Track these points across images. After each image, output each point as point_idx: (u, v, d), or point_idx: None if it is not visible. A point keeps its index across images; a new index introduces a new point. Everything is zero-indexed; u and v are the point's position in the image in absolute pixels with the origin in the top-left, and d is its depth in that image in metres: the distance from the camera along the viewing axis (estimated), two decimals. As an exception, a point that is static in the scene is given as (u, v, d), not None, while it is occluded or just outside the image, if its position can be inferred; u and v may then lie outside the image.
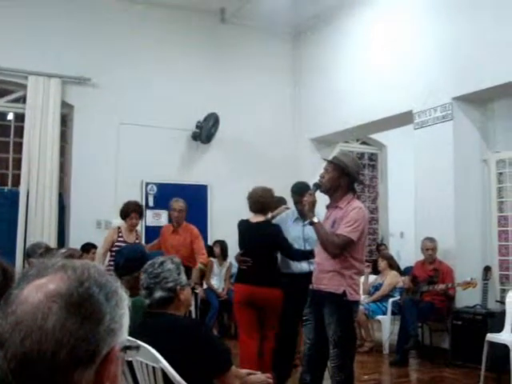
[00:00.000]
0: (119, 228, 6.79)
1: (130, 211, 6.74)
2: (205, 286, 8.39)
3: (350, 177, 4.24)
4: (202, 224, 8.79)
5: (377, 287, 7.88)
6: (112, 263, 6.29)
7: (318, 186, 4.34)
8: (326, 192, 4.34)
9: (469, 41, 6.90)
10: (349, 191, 4.27)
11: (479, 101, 7.24)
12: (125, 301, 0.98)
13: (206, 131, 9.04)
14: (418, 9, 7.77)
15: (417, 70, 7.60)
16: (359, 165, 4.63)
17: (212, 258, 8.26)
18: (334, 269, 4.09)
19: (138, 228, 7.10)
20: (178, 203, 6.87)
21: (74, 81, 8.46)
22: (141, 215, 6.93)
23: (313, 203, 4.27)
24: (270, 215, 5.63)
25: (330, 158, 4.52)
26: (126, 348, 0.99)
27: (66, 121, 8.71)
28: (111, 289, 0.95)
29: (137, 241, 6.83)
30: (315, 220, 4.18)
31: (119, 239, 6.65)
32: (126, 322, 0.97)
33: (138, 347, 1.07)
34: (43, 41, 8.25)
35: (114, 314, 0.93)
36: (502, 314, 5.96)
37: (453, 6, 7.18)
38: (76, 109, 8.58)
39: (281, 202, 6.22)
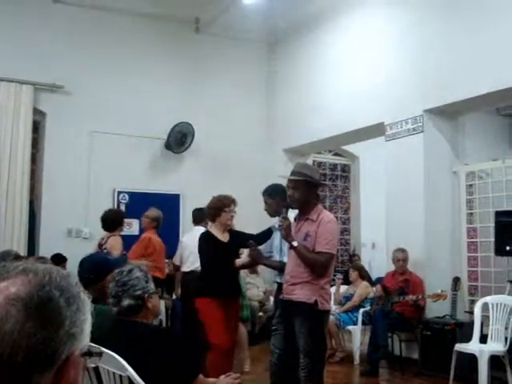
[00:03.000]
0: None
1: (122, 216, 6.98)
2: (174, 297, 8.36)
3: (316, 186, 4.27)
4: (174, 233, 8.77)
5: (348, 297, 7.91)
6: None
7: (287, 207, 4.33)
8: (298, 208, 4.35)
9: (440, 54, 7.00)
10: (315, 200, 4.29)
11: (449, 114, 7.35)
12: (87, 306, 0.97)
13: (174, 141, 9.02)
14: (389, 22, 7.87)
15: (388, 83, 7.69)
16: (318, 170, 4.67)
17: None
18: (305, 279, 4.11)
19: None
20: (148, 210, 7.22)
21: (47, 88, 8.39)
22: None
23: (289, 227, 4.25)
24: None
25: (290, 175, 4.42)
26: (88, 354, 0.98)
27: (37, 128, 8.63)
28: (73, 293, 0.94)
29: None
30: (295, 244, 4.16)
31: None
32: (87, 327, 0.96)
33: (100, 353, 1.07)
34: (16, 47, 8.17)
35: (75, 318, 0.93)
36: (471, 324, 6.05)
37: (424, 19, 7.28)
38: (48, 116, 8.51)
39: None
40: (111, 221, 6.78)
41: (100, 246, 6.67)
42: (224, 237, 5.38)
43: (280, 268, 4.93)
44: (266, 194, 5.24)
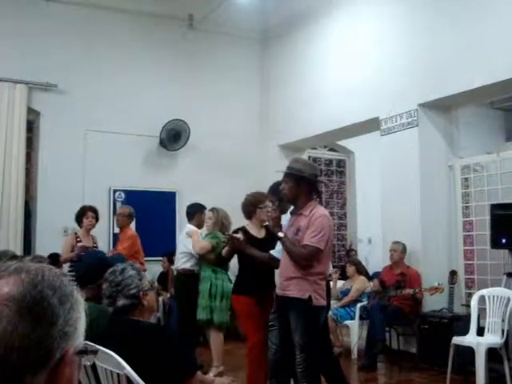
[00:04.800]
0: (76, 233, 6.86)
1: (86, 210, 6.86)
2: (168, 295, 8.38)
3: (308, 181, 4.25)
4: (170, 231, 8.77)
5: (345, 292, 7.92)
6: (71, 270, 6.29)
7: (280, 200, 4.34)
8: (289, 202, 4.36)
9: (433, 48, 7.00)
10: (311, 196, 4.28)
11: (444, 107, 7.35)
12: (80, 304, 0.97)
13: (167, 138, 9.00)
14: (383, 17, 7.86)
15: (383, 78, 7.69)
16: (314, 166, 4.63)
17: (173, 266, 8.25)
18: (299, 275, 4.10)
19: (94, 233, 7.08)
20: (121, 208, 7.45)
21: (40, 87, 8.37)
22: (97, 218, 6.96)
23: (278, 218, 4.26)
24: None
25: (285, 169, 4.43)
26: (83, 352, 0.98)
27: (32, 127, 8.61)
28: (65, 292, 0.94)
29: (94, 245, 6.85)
30: (281, 235, 4.19)
31: (78, 244, 6.68)
32: (81, 325, 0.96)
33: (95, 351, 1.07)
34: (8, 46, 8.15)
35: (68, 317, 0.92)
36: (468, 317, 6.06)
37: (418, 14, 7.28)
38: (42, 115, 8.49)
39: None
40: (76, 215, 6.94)
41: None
42: (260, 233, 5.30)
43: (262, 260, 4.83)
44: (269, 193, 5.24)
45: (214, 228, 6.32)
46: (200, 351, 6.56)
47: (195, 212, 6.97)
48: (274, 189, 5.09)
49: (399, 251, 7.09)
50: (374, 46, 7.96)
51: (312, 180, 4.27)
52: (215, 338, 6.21)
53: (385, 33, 7.81)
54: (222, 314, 6.10)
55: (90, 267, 3.45)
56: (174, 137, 9.05)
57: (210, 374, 5.22)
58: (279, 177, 4.61)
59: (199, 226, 6.77)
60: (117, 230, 7.59)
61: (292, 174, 4.24)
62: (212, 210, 6.50)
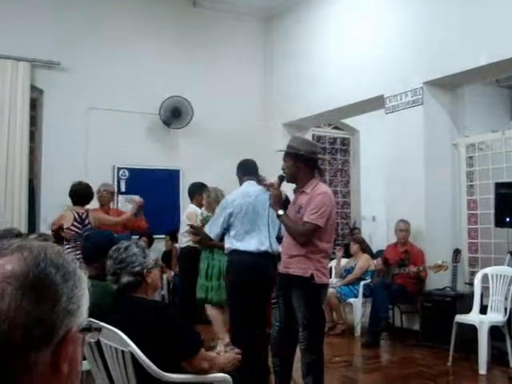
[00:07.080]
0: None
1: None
2: (172, 273, 8.41)
3: (306, 159, 4.22)
4: (174, 209, 8.78)
5: (349, 270, 7.94)
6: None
7: (281, 179, 4.33)
8: (290, 181, 4.35)
9: (439, 26, 6.94)
10: (313, 174, 4.27)
11: (449, 85, 7.31)
12: (84, 282, 0.97)
13: (168, 115, 8.96)
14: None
15: (388, 55, 7.63)
16: (313, 143, 4.60)
17: (176, 244, 8.28)
18: (301, 253, 4.10)
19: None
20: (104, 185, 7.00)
21: (43, 65, 8.32)
22: None
23: (278, 196, 4.26)
24: None
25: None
26: (87, 329, 0.98)
27: (35, 105, 8.58)
28: (68, 269, 0.94)
29: None
30: (280, 213, 4.19)
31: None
32: (84, 303, 0.96)
33: (99, 329, 1.07)
34: (11, 24, 8.09)
35: (72, 294, 0.92)
36: (471, 295, 6.06)
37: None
38: (46, 93, 8.46)
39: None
40: (88, 195, 6.33)
41: (81, 220, 5.97)
42: None
43: None
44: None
45: (208, 210, 6.32)
46: (200, 328, 6.61)
47: (194, 192, 6.99)
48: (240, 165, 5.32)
49: (407, 230, 7.10)
50: (378, 24, 7.89)
51: (310, 157, 4.24)
52: (212, 314, 6.26)
53: (390, 10, 7.74)
54: (218, 293, 6.12)
55: (96, 245, 3.46)
56: (173, 113, 8.98)
57: (218, 348, 5.25)
58: (282, 154, 4.59)
59: (199, 206, 6.75)
60: (122, 208, 7.52)
61: (289, 153, 4.23)
62: (206, 191, 6.50)
